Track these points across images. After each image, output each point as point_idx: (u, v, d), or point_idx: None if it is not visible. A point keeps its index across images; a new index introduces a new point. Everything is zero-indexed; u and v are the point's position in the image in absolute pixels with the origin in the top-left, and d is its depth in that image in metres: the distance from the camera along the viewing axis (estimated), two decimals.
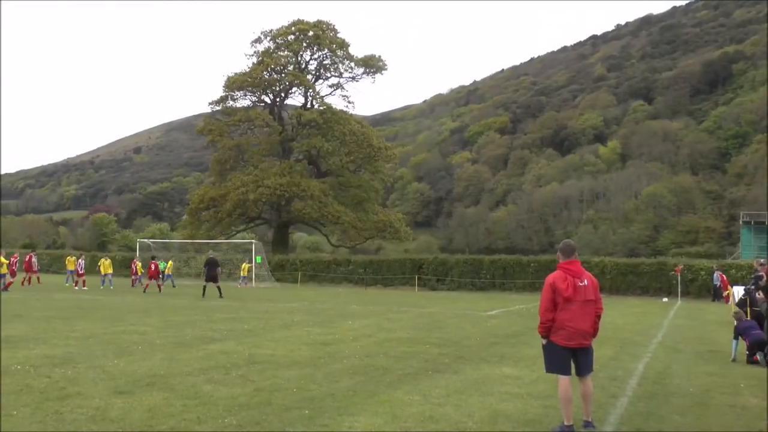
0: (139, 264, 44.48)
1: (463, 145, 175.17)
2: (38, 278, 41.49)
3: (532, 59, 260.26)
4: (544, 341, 7.79)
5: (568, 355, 7.65)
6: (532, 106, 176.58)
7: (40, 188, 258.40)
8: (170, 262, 45.97)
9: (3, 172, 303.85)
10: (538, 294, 10.76)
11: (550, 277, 7.73)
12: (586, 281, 7.69)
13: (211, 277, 32.27)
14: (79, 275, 39.55)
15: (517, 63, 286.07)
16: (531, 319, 21.04)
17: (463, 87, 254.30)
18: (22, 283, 39.03)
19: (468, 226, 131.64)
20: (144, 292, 35.94)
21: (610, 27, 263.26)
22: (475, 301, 33.76)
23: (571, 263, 7.75)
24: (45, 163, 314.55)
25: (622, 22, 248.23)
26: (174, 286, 42.63)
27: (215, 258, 34.12)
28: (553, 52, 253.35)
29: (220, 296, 31.39)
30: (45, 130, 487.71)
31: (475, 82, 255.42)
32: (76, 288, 37.99)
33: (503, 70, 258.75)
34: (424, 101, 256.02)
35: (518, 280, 44.86)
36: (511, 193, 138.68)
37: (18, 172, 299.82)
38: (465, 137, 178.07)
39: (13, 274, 36.03)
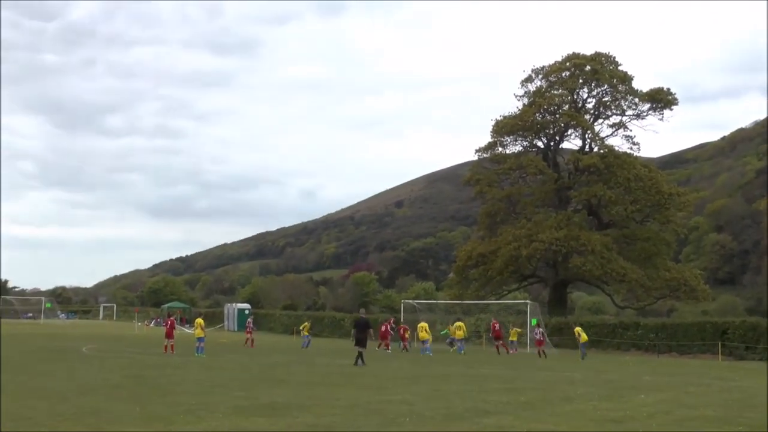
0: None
1: None
2: (252, 341, 47.20)
3: None
4: None
5: None
6: None
7: (300, 246, 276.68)
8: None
9: (264, 230, 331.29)
10: None
11: None
12: None
13: (360, 341, 30.90)
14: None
15: None
16: None
17: None
18: (245, 344, 46.26)
19: None
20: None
21: None
22: None
23: None
24: (305, 219, 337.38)
25: None
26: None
27: (366, 318, 33.55)
28: None
29: (361, 363, 29.62)
30: (304, 187, 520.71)
31: None
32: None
33: None
34: (723, 138, 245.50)
35: None
36: None
37: (279, 230, 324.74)
38: None
39: (383, 336, 43.98)
